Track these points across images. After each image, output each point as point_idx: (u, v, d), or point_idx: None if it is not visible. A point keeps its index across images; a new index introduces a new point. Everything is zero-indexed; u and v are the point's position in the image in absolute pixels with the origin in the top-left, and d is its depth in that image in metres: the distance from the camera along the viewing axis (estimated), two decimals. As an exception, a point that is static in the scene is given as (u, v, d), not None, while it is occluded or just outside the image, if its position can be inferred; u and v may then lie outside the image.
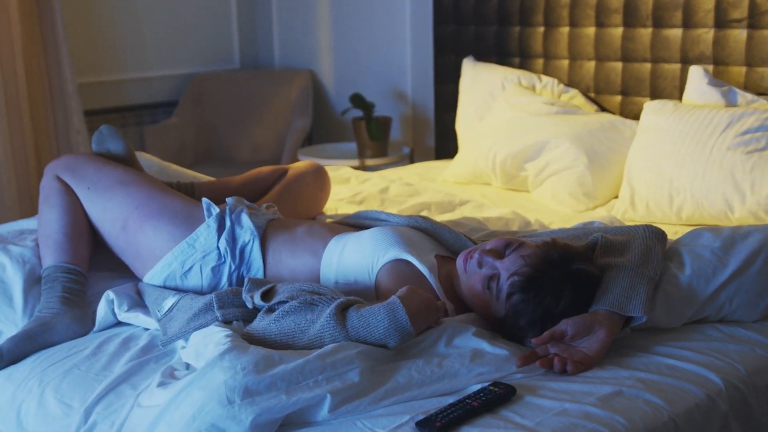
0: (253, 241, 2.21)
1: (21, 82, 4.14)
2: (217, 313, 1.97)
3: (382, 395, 1.71)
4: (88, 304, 2.23)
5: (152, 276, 2.24)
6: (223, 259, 2.20)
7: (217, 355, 1.72)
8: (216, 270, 2.21)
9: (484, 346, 1.85)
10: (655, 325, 1.99)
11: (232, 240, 2.21)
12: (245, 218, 2.23)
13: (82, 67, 4.53)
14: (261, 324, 1.88)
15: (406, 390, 1.73)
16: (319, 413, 1.67)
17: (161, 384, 1.79)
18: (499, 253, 1.96)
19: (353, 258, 2.11)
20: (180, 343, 2.00)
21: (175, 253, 2.21)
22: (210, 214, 2.25)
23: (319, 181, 2.66)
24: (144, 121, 4.88)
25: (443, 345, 1.86)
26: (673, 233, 2.80)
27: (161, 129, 4.76)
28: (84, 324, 2.16)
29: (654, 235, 2.08)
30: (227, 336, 1.82)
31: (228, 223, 2.22)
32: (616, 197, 3.16)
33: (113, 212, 2.29)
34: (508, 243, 1.97)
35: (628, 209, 2.99)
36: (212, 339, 1.84)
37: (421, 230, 2.23)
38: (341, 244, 2.15)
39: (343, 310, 1.85)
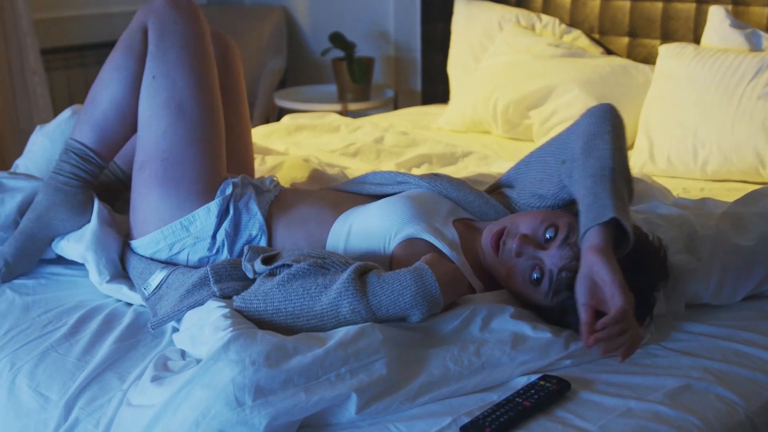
0: (261, 237, 1.91)
1: (-29, 17, 3.82)
2: (214, 288, 1.70)
3: (417, 392, 1.47)
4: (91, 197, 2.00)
5: (138, 245, 1.95)
6: (216, 251, 1.90)
7: (221, 345, 1.46)
8: (204, 261, 1.91)
9: (526, 329, 1.62)
10: (712, 301, 1.78)
11: (234, 232, 1.90)
12: (254, 208, 1.91)
13: (39, 1, 4.21)
14: (262, 288, 1.61)
15: (443, 384, 1.49)
16: (344, 414, 1.43)
17: (155, 379, 1.53)
18: (539, 243, 1.70)
19: (362, 242, 1.83)
20: (172, 324, 1.74)
21: (165, 232, 1.90)
22: (222, 193, 1.92)
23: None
24: (105, 60, 4.55)
25: (478, 329, 1.62)
26: (699, 189, 2.61)
27: (124, 69, 4.46)
28: (78, 221, 1.98)
29: (597, 119, 1.80)
30: (226, 317, 1.56)
31: (232, 211, 1.90)
32: (631, 148, 2.94)
33: (145, 139, 1.94)
34: (547, 225, 1.71)
35: (647, 162, 2.77)
36: (209, 319, 1.58)
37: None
38: (347, 225, 1.87)
39: (361, 275, 1.60)
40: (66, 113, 2.32)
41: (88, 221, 1.98)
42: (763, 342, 1.67)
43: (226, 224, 1.89)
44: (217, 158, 1.95)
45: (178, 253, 1.91)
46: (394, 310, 1.57)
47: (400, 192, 1.98)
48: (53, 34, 4.34)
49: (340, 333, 1.52)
